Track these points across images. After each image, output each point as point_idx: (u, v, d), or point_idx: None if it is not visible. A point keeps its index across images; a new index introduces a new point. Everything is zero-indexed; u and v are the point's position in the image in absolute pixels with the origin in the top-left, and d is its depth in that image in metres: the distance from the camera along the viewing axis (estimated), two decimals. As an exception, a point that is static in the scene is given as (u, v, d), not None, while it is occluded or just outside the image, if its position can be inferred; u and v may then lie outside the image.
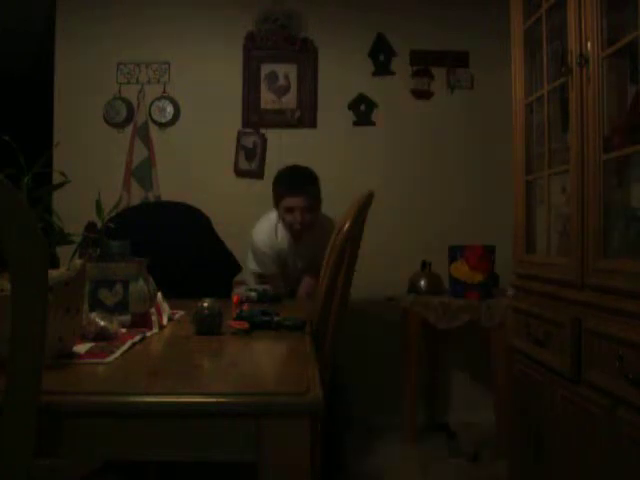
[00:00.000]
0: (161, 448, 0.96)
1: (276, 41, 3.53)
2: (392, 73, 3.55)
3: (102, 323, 1.35)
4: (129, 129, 3.54)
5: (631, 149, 1.58)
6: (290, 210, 2.72)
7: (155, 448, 0.96)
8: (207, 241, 2.76)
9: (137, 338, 1.38)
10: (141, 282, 1.57)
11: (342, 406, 2.73)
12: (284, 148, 3.48)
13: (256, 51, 3.54)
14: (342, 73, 3.55)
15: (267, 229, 2.86)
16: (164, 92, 3.54)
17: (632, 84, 1.69)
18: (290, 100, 3.55)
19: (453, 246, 3.05)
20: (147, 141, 3.53)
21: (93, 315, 1.37)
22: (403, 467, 2.77)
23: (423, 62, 3.55)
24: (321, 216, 2.86)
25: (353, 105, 3.55)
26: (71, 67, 3.52)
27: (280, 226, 2.84)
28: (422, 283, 3.18)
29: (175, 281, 2.04)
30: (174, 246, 2.54)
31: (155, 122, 3.54)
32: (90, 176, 3.27)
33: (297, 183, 2.75)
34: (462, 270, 2.98)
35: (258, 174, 3.52)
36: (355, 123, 3.56)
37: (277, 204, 2.79)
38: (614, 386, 1.49)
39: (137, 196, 3.48)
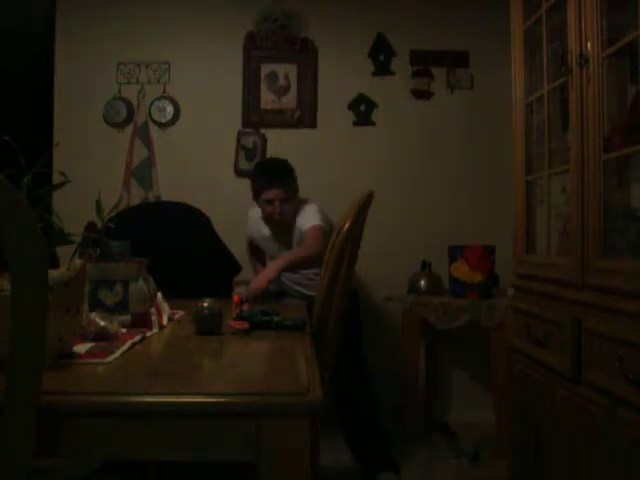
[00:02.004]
0: (161, 448, 0.96)
1: (276, 41, 3.52)
2: (392, 73, 3.55)
3: (102, 323, 1.35)
4: (129, 129, 3.54)
5: (631, 149, 1.58)
6: (269, 202, 2.81)
7: (155, 448, 0.96)
8: (207, 241, 2.77)
9: (137, 338, 1.38)
10: (141, 282, 1.57)
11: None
12: (284, 148, 3.48)
13: (256, 51, 3.54)
14: (342, 73, 3.54)
15: (258, 214, 2.95)
16: (164, 92, 3.54)
17: (632, 84, 1.69)
18: (290, 100, 3.55)
19: (453, 246, 3.05)
20: (147, 141, 3.53)
21: (93, 315, 1.37)
22: (403, 467, 2.77)
23: (423, 62, 3.54)
24: (297, 201, 2.91)
25: (353, 105, 3.55)
26: (71, 67, 3.52)
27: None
28: (422, 283, 3.18)
29: (175, 281, 2.04)
30: (174, 246, 2.54)
31: (155, 122, 3.54)
32: (90, 176, 3.27)
33: (274, 177, 2.82)
34: (462, 270, 2.98)
35: (258, 174, 3.52)
36: (355, 123, 3.56)
37: (256, 197, 2.87)
38: (614, 386, 1.49)
39: (137, 196, 3.48)
